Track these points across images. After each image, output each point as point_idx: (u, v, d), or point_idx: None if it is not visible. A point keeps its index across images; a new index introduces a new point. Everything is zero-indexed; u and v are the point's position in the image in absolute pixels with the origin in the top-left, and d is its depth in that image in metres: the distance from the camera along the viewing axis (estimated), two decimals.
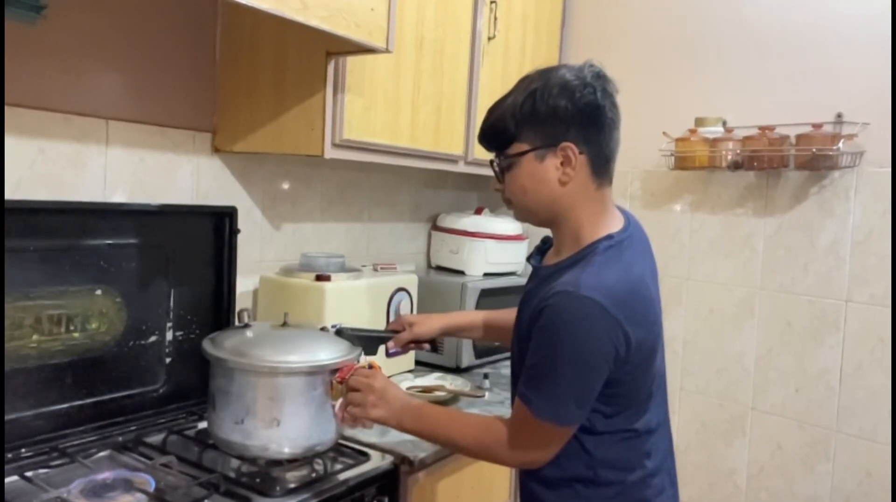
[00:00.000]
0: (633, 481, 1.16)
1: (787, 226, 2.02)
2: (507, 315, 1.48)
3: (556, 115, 1.10)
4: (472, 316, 1.63)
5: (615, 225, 1.17)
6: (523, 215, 1.22)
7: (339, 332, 1.46)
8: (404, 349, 1.57)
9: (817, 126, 1.86)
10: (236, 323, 1.45)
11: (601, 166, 1.14)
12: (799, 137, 1.89)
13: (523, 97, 1.13)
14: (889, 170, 1.85)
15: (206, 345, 1.35)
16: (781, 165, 1.95)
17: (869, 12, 1.87)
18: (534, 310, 1.11)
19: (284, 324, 1.43)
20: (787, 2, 2.01)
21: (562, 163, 1.11)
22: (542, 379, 1.08)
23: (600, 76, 1.13)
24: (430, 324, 1.53)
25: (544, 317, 1.06)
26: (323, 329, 1.47)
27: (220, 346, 1.33)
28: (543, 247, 1.31)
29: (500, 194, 1.23)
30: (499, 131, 1.16)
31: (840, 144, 1.83)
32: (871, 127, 1.85)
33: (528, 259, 1.32)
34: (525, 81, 1.16)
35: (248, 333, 1.38)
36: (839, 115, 1.89)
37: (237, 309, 1.57)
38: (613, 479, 1.15)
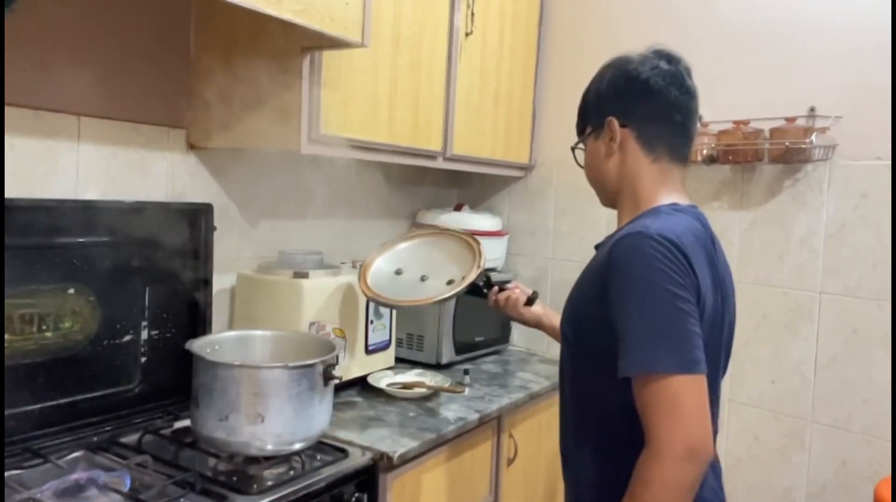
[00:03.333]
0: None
1: (762, 219, 2.04)
2: None
3: (599, 94, 1.18)
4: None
5: (681, 200, 1.15)
6: (598, 195, 1.27)
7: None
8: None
9: (790, 120, 1.89)
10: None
11: (651, 139, 1.15)
12: (772, 131, 1.91)
13: (591, 83, 1.21)
14: (862, 162, 1.87)
15: (190, 342, 1.35)
16: (756, 159, 1.97)
17: (841, 7, 1.90)
18: (592, 273, 1.10)
19: None
20: None
21: (610, 139, 1.17)
22: (641, 331, 0.98)
23: (664, 55, 1.16)
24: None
25: (614, 267, 1.02)
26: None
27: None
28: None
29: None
30: (577, 120, 1.25)
31: (813, 138, 1.85)
32: (843, 120, 1.87)
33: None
34: (599, 70, 1.22)
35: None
36: (812, 109, 1.91)
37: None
38: None
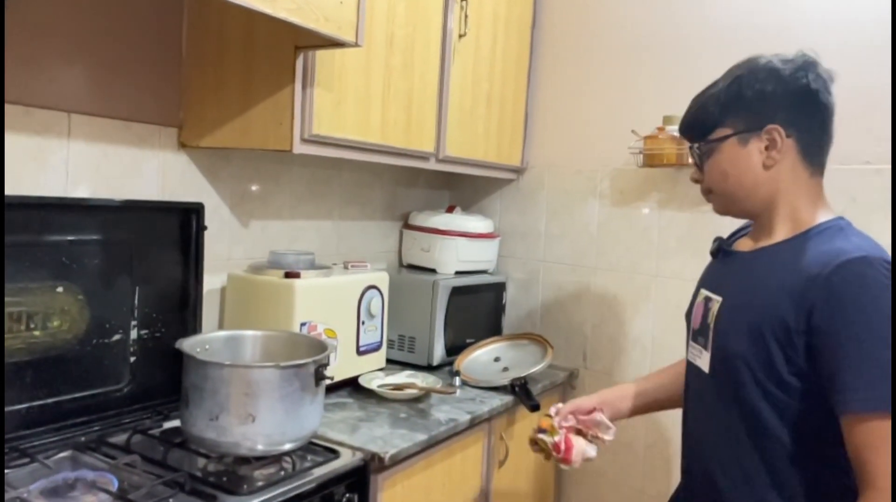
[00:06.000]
0: None
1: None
2: (661, 380, 1.45)
3: (762, 99, 1.10)
4: (622, 390, 1.48)
5: (833, 216, 1.13)
6: (723, 203, 1.20)
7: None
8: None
9: None
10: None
11: (813, 153, 1.12)
12: None
13: (728, 83, 1.14)
14: (850, 167, 1.89)
15: (180, 341, 1.35)
16: None
17: (832, 13, 1.92)
18: (786, 288, 1.03)
19: None
20: (753, 3, 2.04)
21: (766, 147, 1.11)
22: (875, 367, 0.95)
23: (813, 63, 1.12)
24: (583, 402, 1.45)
25: (839, 296, 0.97)
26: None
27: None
28: (730, 239, 1.29)
29: (698, 185, 1.23)
30: (700, 118, 1.16)
31: None
32: None
33: (724, 240, 1.29)
34: (730, 70, 1.16)
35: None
36: None
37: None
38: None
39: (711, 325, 1.17)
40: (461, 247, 2.28)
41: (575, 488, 2.34)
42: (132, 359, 1.55)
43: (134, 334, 1.55)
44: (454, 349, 2.17)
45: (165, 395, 1.56)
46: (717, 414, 1.15)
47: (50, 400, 1.40)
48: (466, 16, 2.05)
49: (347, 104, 1.68)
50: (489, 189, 2.57)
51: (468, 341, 2.23)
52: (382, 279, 1.96)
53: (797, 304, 1.02)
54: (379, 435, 1.54)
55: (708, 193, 1.22)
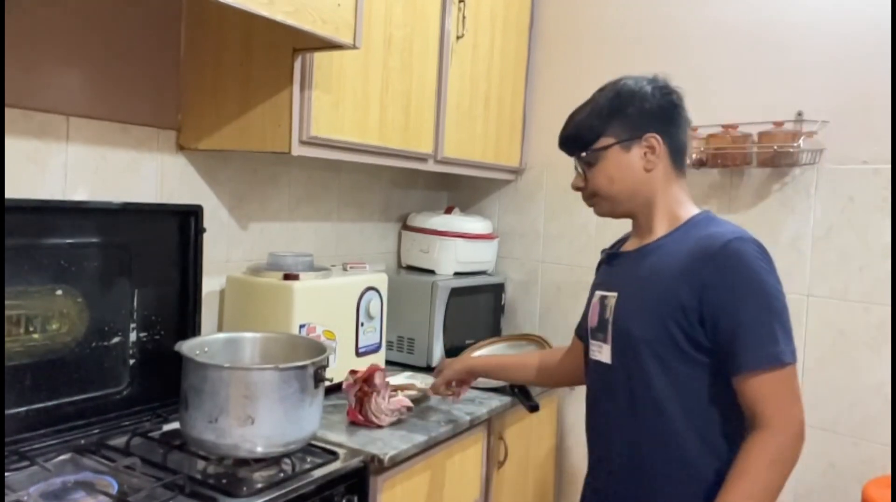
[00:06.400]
0: None
1: (750, 222, 2.05)
2: (556, 355, 1.60)
3: (641, 111, 1.25)
4: (520, 358, 1.73)
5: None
6: (608, 206, 1.31)
7: None
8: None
9: (778, 124, 1.90)
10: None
11: (679, 157, 1.29)
12: (761, 135, 1.93)
13: (610, 99, 1.27)
14: (848, 166, 1.89)
15: (180, 344, 1.35)
16: (744, 163, 1.98)
17: (829, 13, 1.92)
18: (675, 273, 1.17)
19: None
20: (750, 4, 2.05)
21: (646, 153, 1.25)
22: (766, 326, 1.11)
23: (670, 84, 1.29)
24: (455, 364, 1.68)
25: (723, 271, 1.13)
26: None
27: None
28: (616, 244, 1.42)
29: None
30: (584, 131, 1.28)
31: (800, 141, 1.87)
32: (830, 125, 1.89)
33: (608, 250, 1.42)
34: (606, 90, 1.30)
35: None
36: (799, 114, 1.93)
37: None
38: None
39: (610, 319, 1.28)
40: (460, 248, 2.28)
41: (575, 489, 2.34)
42: (131, 361, 1.55)
43: (133, 337, 1.55)
44: (453, 350, 2.17)
45: (164, 398, 1.55)
46: (622, 400, 1.25)
47: (49, 403, 1.40)
48: (464, 17, 2.06)
49: (346, 106, 1.68)
50: (488, 190, 2.57)
51: (467, 342, 2.23)
52: (381, 280, 1.96)
53: (689, 285, 1.15)
54: (378, 436, 1.54)
55: (592, 198, 1.32)
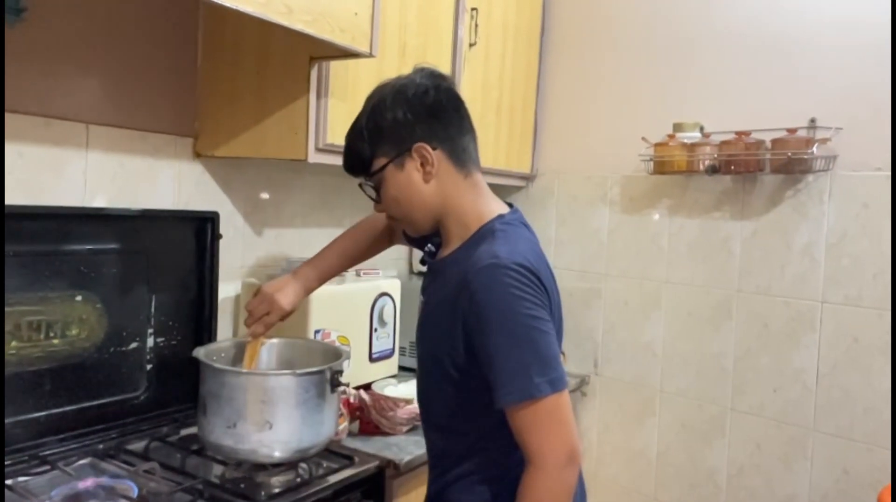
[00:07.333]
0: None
1: (763, 228, 2.05)
2: (359, 235, 1.55)
3: (398, 125, 1.15)
4: (329, 261, 1.52)
5: (500, 208, 1.21)
6: (407, 225, 1.24)
7: None
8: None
9: (792, 131, 1.91)
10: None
11: (459, 156, 1.19)
12: (774, 142, 1.93)
13: (366, 117, 1.18)
14: (862, 173, 1.89)
15: (197, 349, 1.36)
16: (757, 169, 1.98)
17: (841, 19, 1.92)
18: (450, 297, 1.11)
19: None
20: (762, 10, 2.05)
21: (421, 164, 1.16)
22: (514, 359, 1.04)
23: (433, 75, 1.19)
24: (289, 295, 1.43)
25: (474, 300, 1.05)
26: None
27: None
28: (433, 251, 1.29)
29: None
30: (355, 156, 1.20)
31: (814, 148, 1.87)
32: (843, 131, 1.89)
33: (421, 261, 1.34)
34: (367, 101, 1.21)
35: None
36: (813, 120, 1.93)
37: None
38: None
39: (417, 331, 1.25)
40: None
41: (587, 495, 2.33)
42: (149, 366, 1.57)
43: (150, 342, 1.57)
44: None
45: (182, 403, 1.57)
46: (423, 412, 1.27)
47: (69, 408, 1.42)
48: (476, 25, 2.07)
49: None
50: (500, 196, 2.53)
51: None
52: (394, 286, 1.97)
53: (454, 311, 1.10)
54: (394, 441, 1.55)
55: (393, 220, 1.26)
